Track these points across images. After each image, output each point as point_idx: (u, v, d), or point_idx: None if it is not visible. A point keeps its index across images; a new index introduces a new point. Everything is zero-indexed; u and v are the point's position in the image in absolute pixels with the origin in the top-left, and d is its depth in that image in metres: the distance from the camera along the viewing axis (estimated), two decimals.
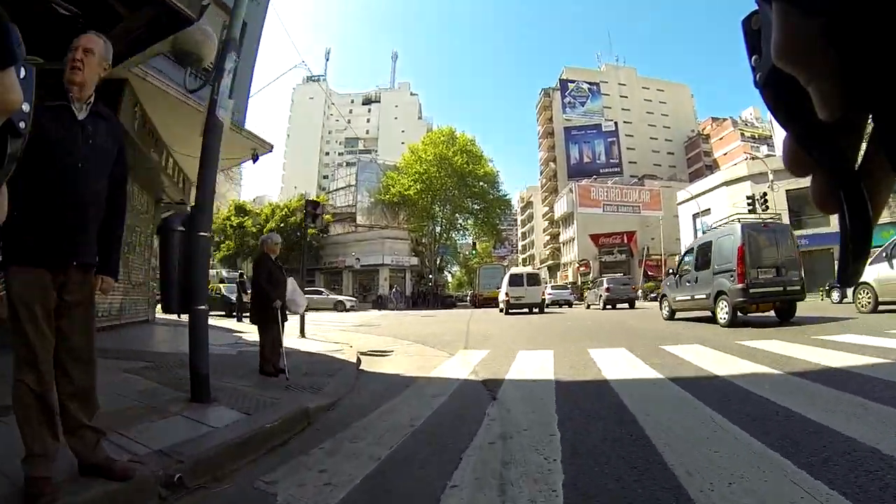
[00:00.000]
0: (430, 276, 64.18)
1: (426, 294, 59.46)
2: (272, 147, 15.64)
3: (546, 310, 31.26)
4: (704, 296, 15.10)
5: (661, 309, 19.32)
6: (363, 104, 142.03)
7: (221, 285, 32.83)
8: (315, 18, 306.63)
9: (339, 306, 40.79)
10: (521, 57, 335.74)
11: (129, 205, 4.39)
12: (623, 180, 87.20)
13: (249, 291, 12.44)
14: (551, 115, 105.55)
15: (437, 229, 65.37)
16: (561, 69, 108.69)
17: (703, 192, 50.32)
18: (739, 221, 15.26)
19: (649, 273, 61.34)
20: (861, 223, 0.48)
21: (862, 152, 0.51)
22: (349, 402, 6.57)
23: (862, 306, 15.31)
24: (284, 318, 8.54)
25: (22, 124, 0.71)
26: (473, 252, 79.28)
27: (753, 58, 0.53)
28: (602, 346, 10.68)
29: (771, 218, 18.44)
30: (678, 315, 17.88)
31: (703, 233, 31.07)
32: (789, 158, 0.53)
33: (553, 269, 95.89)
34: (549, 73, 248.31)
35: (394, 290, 46.39)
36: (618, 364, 8.31)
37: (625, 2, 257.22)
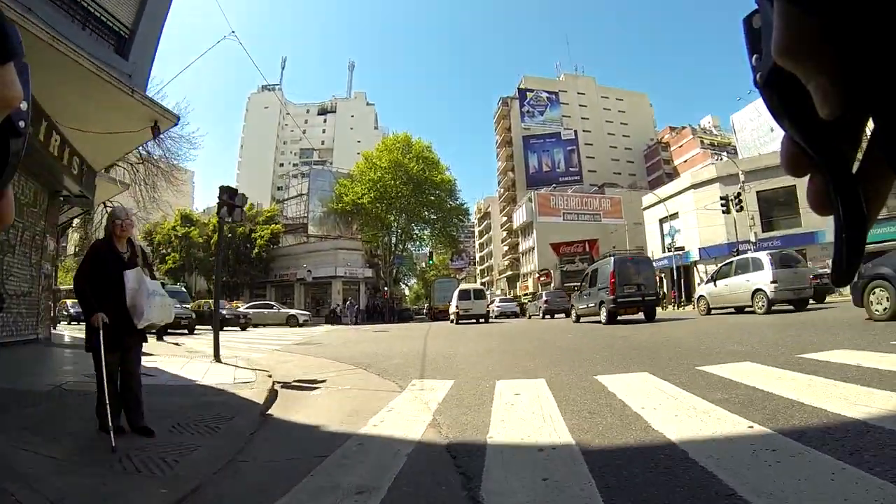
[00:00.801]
0: (386, 289, 61.78)
1: (382, 307, 57.19)
2: (177, 119, 12.88)
3: (493, 320, 36.11)
4: (594, 304, 22.27)
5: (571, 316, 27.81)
6: (319, 114, 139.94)
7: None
8: (270, 27, 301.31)
9: (291, 321, 37.83)
10: (479, 66, 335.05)
11: None
12: (583, 189, 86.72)
13: None
14: (509, 125, 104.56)
15: (393, 240, 62.69)
16: (520, 78, 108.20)
17: (671, 196, 49.12)
18: (612, 256, 22.69)
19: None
20: (856, 225, 0.49)
21: (861, 153, 0.52)
22: (214, 494, 3.81)
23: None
24: (141, 338, 5.71)
25: (21, 123, 0.66)
26: (430, 262, 76.97)
27: (754, 57, 0.53)
28: (612, 371, 7.85)
29: (638, 253, 32.26)
30: (583, 319, 24.24)
31: (672, 238, 46.06)
32: (787, 159, 0.54)
33: (512, 280, 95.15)
34: (508, 82, 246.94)
35: (348, 302, 43.28)
36: (661, 403, 5.45)
37: (583, 11, 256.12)
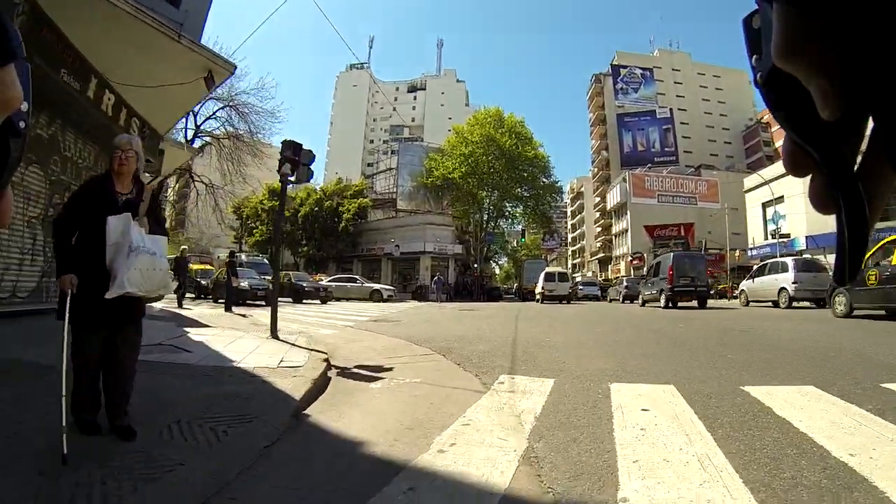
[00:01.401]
0: (476, 266, 59.94)
1: (471, 285, 55.50)
2: (234, 68, 11.59)
3: (574, 302, 39.02)
4: (656, 291, 25.97)
5: (638, 300, 30.82)
6: (408, 91, 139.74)
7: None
8: (358, 5, 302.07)
9: (375, 296, 36.37)
10: (571, 43, 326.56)
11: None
12: (678, 169, 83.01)
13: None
14: (603, 102, 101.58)
15: (484, 217, 60.56)
16: (613, 54, 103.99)
17: (777, 178, 43.88)
18: (671, 252, 29.02)
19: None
20: (858, 223, 0.49)
21: (861, 153, 0.53)
22: None
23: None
24: (134, 314, 4.26)
25: (22, 124, 0.68)
26: (522, 241, 74.66)
27: (754, 57, 0.53)
28: (761, 379, 5.98)
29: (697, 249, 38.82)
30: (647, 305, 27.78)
31: (776, 224, 44.60)
32: (789, 159, 0.54)
33: (604, 262, 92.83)
34: (601, 58, 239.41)
35: (435, 278, 41.45)
36: (874, 443, 3.60)
37: None
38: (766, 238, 45.87)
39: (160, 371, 6.22)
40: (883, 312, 14.63)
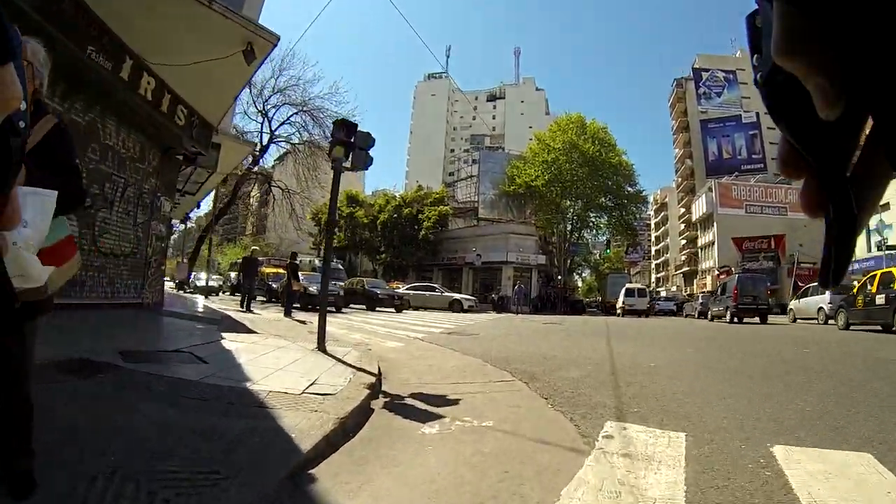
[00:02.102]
0: (560, 278, 58.12)
1: (553, 297, 53.53)
2: (277, 39, 10.32)
3: (652, 315, 42.28)
4: (723, 308, 29.22)
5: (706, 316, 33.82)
6: (488, 101, 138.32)
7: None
8: (434, 16, 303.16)
9: (455, 306, 35.01)
10: (650, 47, 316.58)
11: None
12: (766, 178, 77.71)
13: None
14: (685, 108, 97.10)
15: (568, 227, 58.58)
16: (693, 57, 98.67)
17: None
18: (737, 274, 33.78)
19: (800, 284, 50.27)
20: (847, 228, 0.50)
21: (857, 155, 0.53)
22: None
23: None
24: (28, 311, 2.46)
25: (21, 123, 0.70)
26: (607, 252, 72.05)
27: (755, 57, 0.54)
28: None
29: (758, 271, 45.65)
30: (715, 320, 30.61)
31: (881, 235, 43.35)
32: (783, 160, 0.55)
33: (689, 276, 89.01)
34: (682, 62, 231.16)
35: (517, 287, 39.17)
36: None
37: None
38: (870, 250, 42.84)
39: (141, 388, 4.86)
40: (879, 327, 17.78)
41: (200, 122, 13.59)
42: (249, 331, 10.97)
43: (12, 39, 0.61)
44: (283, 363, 7.01)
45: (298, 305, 22.23)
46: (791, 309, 29.55)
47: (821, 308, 25.20)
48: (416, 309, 33.37)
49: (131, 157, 12.46)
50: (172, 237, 68.58)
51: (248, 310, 16.67)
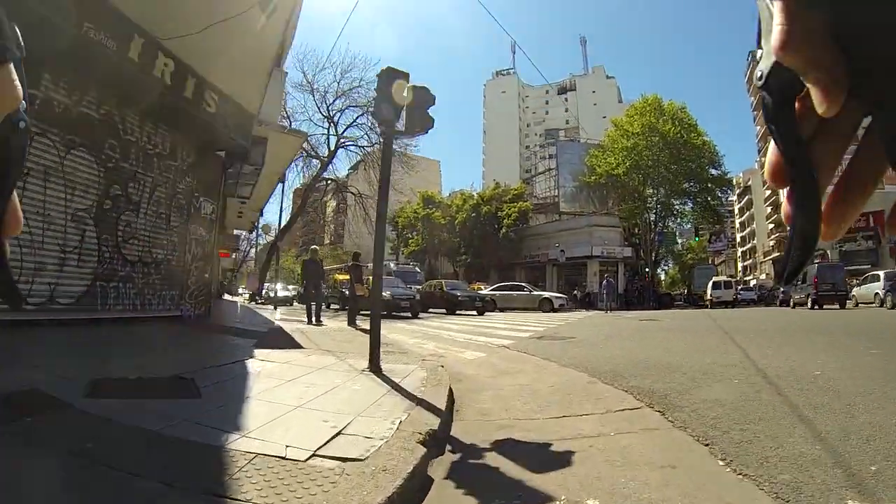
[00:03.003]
0: (647, 270, 55.31)
1: (641, 291, 50.67)
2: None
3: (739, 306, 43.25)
4: (805, 295, 31.72)
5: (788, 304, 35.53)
6: (559, 94, 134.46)
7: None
8: (495, 13, 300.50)
9: (544, 305, 32.34)
10: (719, 22, 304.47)
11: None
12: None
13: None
14: None
15: (652, 217, 55.66)
16: None
17: None
18: (815, 263, 32.71)
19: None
20: (810, 239, 0.52)
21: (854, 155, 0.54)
22: None
23: None
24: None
25: (22, 124, 0.64)
26: (696, 239, 68.30)
27: (759, 53, 0.53)
28: None
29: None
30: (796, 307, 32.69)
31: None
32: (770, 169, 0.55)
33: (780, 263, 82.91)
34: (753, 32, 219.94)
35: (605, 281, 34.81)
36: None
37: None
38: None
39: (59, 444, 3.32)
40: None
41: (235, 109, 11.85)
42: (295, 345, 9.11)
43: (12, 39, 0.57)
44: (311, 395, 5.05)
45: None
46: (853, 295, 31.56)
47: (876, 293, 28.32)
48: (503, 310, 31.49)
49: (159, 153, 10.98)
50: (253, 250, 69.57)
51: (318, 321, 14.65)
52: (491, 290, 35.10)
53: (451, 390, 5.69)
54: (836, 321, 16.62)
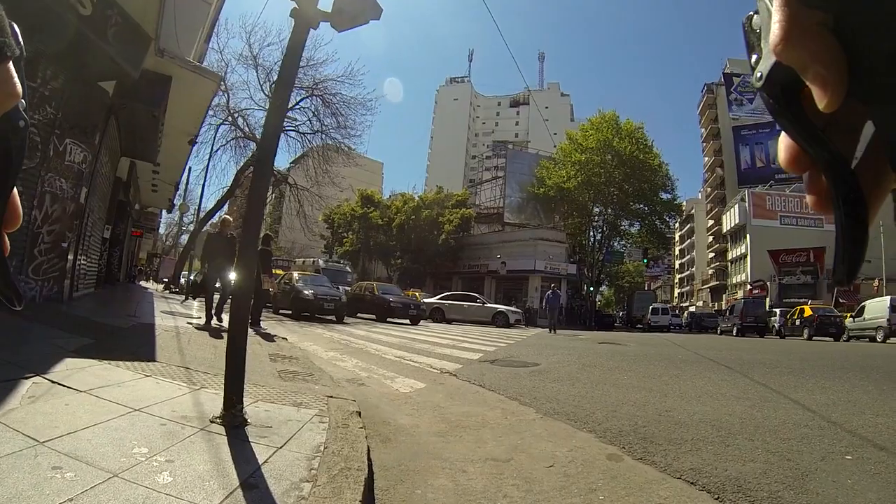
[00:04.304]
0: (591, 290, 54.04)
1: (580, 310, 50.30)
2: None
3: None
4: (730, 325, 39.18)
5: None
6: (511, 106, 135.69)
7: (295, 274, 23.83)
8: (457, 18, 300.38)
9: (499, 320, 29.83)
10: (677, 51, 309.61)
11: None
12: (802, 188, 73.03)
13: None
14: (716, 115, 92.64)
15: (598, 235, 54.90)
16: (724, 62, 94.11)
17: None
18: (742, 301, 43.08)
19: (841, 300, 47.23)
20: (857, 222, 0.49)
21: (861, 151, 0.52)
22: None
23: None
24: None
25: (21, 122, 0.64)
26: (643, 262, 67.71)
27: (752, 57, 0.54)
28: None
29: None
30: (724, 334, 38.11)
31: None
32: (787, 155, 0.54)
33: (718, 291, 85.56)
34: (711, 67, 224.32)
35: (550, 293, 29.98)
36: None
37: None
38: None
39: None
40: None
41: (123, 22, 8.80)
42: (144, 355, 5.96)
43: (12, 37, 0.57)
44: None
45: (295, 312, 19.55)
46: (846, 327, 30.10)
47: (879, 327, 26.20)
48: (451, 322, 29.12)
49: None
50: (163, 229, 65.30)
51: (219, 318, 11.25)
52: (439, 299, 32.62)
53: (369, 484, 2.83)
54: (816, 350, 16.24)
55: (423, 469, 3.57)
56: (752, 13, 0.53)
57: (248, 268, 4.06)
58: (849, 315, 31.07)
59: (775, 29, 0.46)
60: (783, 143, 0.53)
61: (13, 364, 4.60)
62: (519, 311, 32.64)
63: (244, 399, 3.84)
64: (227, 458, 2.96)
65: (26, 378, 4.20)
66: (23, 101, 0.61)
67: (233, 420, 3.52)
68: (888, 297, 27.13)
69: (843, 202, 0.48)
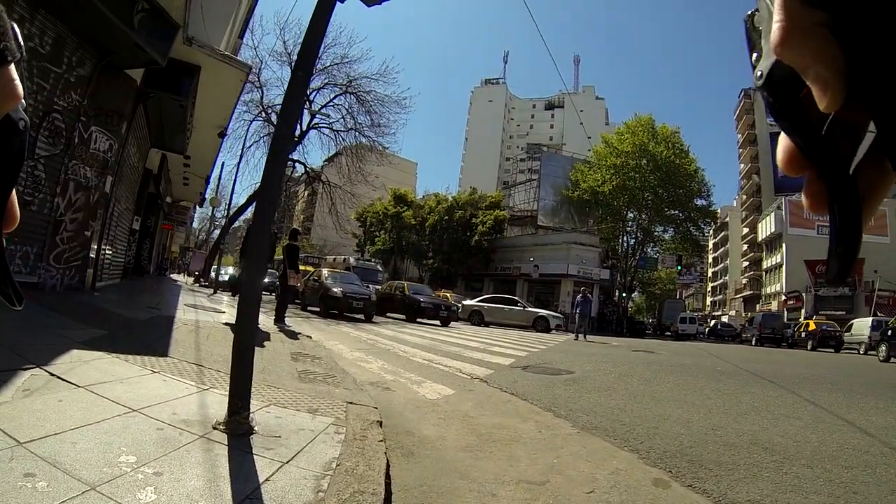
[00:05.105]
0: (624, 295, 53.53)
1: (611, 316, 49.33)
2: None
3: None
4: (750, 335, 43.30)
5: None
6: (545, 109, 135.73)
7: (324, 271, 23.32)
8: (492, 20, 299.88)
9: (539, 324, 28.91)
10: (715, 58, 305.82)
11: None
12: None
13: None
14: (753, 121, 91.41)
15: (631, 241, 54.03)
16: None
17: None
18: (761, 314, 47.96)
19: (878, 313, 44.74)
20: (853, 224, 0.50)
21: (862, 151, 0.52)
22: None
23: None
24: None
25: (22, 123, 0.65)
26: (678, 268, 66.68)
27: (753, 56, 0.53)
28: None
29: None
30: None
31: None
32: (784, 157, 0.54)
33: (751, 301, 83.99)
34: (749, 71, 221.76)
35: (580, 297, 28.11)
36: None
37: None
38: None
39: None
40: None
41: (149, 7, 8.53)
42: (157, 350, 5.63)
43: (13, 39, 0.58)
44: None
45: (324, 310, 19.04)
46: (844, 341, 32.52)
47: (861, 342, 28.77)
48: (489, 325, 28.65)
49: (34, 49, 8.03)
50: (196, 223, 65.59)
51: (278, 319, 11.06)
52: (478, 302, 31.90)
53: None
54: (854, 362, 16.27)
55: (447, 491, 3.19)
56: (753, 10, 0.53)
57: (259, 257, 3.71)
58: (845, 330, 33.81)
59: (776, 29, 0.46)
60: (782, 144, 0.52)
61: (16, 354, 4.33)
62: (560, 315, 31.73)
63: (255, 402, 3.51)
64: (224, 474, 2.59)
65: (25, 369, 3.93)
66: (23, 101, 0.59)
67: (237, 428, 3.17)
68: (870, 319, 30.76)
69: (838, 204, 0.48)
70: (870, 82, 0.43)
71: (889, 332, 22.20)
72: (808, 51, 0.44)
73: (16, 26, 0.58)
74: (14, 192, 0.63)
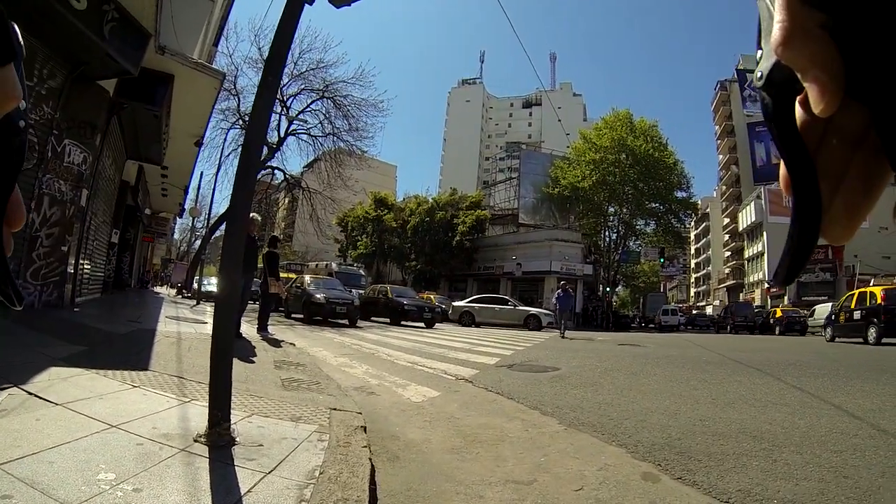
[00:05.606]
0: (608, 290, 53.57)
1: (595, 311, 49.63)
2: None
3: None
4: (725, 324, 47.71)
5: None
6: (523, 107, 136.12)
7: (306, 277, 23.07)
8: (468, 20, 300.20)
9: (531, 323, 29.15)
10: (689, 50, 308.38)
11: None
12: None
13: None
14: (730, 112, 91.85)
15: (613, 235, 54.54)
16: (737, 58, 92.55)
17: None
18: (734, 304, 57.04)
19: None
20: (809, 235, 0.50)
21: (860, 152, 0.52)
22: None
23: None
24: None
25: (22, 123, 0.65)
26: (660, 261, 67.12)
27: (758, 53, 0.54)
28: None
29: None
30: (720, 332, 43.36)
31: None
32: (784, 181, 0.53)
33: (735, 290, 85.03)
34: (725, 63, 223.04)
35: (559, 291, 27.52)
36: None
37: None
38: None
39: None
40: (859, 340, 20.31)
41: (120, 18, 8.46)
42: (136, 364, 5.56)
43: (13, 38, 0.58)
44: None
45: (307, 316, 19.17)
46: (808, 325, 35.11)
47: (823, 326, 27.91)
48: (480, 325, 28.87)
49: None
50: (177, 235, 65.30)
51: (261, 328, 10.99)
52: (468, 303, 32.00)
53: None
54: (841, 350, 15.97)
55: (433, 494, 3.17)
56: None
57: (234, 261, 3.66)
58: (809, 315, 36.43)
59: (777, 29, 0.46)
60: (783, 167, 0.52)
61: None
62: (551, 312, 30.78)
63: (237, 413, 3.47)
64: (206, 487, 2.55)
65: (2, 389, 3.89)
66: (23, 101, 0.60)
67: (218, 439, 3.12)
68: (830, 304, 31.22)
69: (800, 214, 0.49)
70: (871, 82, 0.43)
71: (832, 316, 23.66)
72: (808, 52, 0.44)
73: (16, 26, 0.58)
74: (17, 191, 0.63)
